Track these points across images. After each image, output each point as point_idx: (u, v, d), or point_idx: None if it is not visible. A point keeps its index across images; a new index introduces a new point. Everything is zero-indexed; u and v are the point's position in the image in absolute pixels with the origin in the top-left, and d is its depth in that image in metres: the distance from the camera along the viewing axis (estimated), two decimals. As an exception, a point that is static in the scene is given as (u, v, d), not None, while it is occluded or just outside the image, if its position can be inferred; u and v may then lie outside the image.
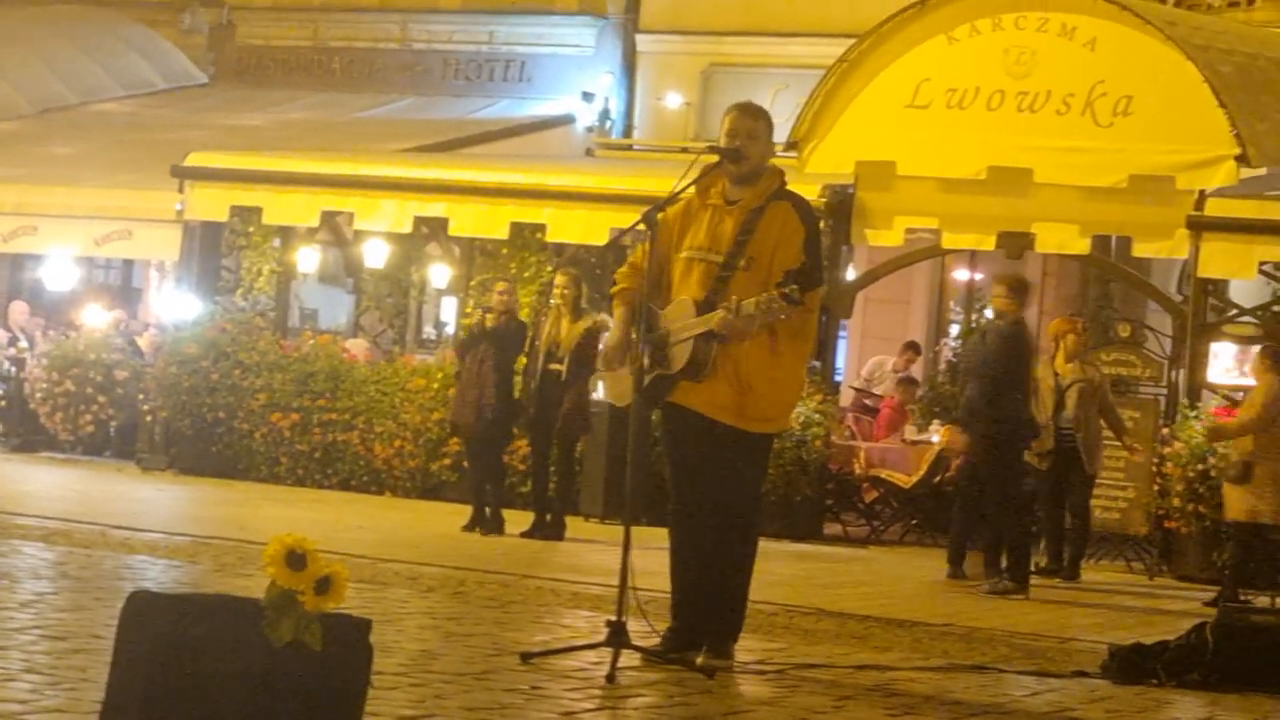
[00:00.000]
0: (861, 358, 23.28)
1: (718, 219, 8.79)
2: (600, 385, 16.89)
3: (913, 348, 22.37)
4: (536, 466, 16.16)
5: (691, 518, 8.85)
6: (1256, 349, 15.37)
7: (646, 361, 8.69)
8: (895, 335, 22.93)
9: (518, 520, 15.87)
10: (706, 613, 8.80)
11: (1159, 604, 14.30)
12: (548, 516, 15.79)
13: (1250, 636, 9.57)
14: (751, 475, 8.93)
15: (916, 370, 22.72)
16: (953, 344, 23.83)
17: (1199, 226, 16.76)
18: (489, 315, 15.99)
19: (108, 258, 24.34)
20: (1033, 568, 15.67)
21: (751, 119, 8.87)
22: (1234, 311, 17.62)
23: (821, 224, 17.03)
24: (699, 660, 8.54)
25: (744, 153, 8.77)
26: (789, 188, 8.95)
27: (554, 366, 15.64)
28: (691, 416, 8.73)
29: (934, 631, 11.25)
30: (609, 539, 14.92)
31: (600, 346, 15.51)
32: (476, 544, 14.90)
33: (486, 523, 15.77)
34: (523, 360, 16.23)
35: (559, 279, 16.29)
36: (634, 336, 8.81)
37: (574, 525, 16.10)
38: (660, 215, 8.81)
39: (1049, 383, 15.55)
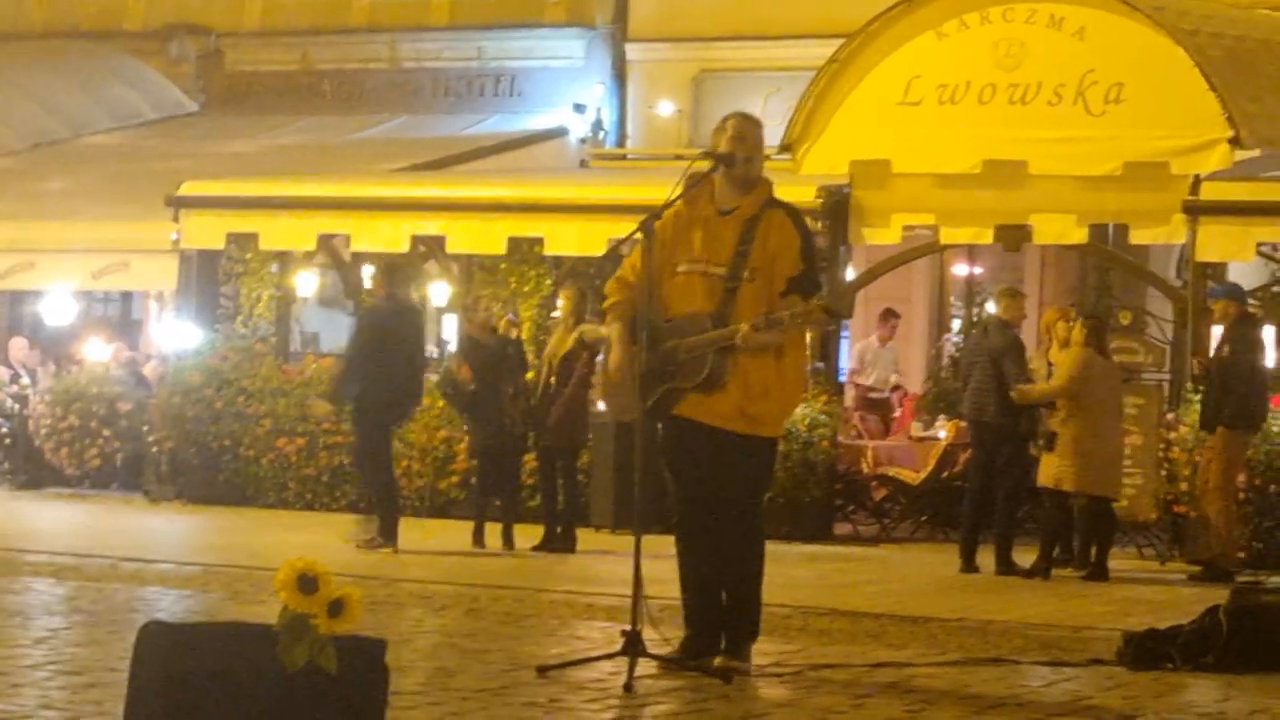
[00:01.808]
0: (864, 357, 23.24)
1: (713, 230, 8.82)
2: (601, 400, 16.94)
3: (891, 314, 22.30)
4: (544, 481, 16.18)
5: (700, 528, 8.87)
6: (1078, 320, 15.59)
7: (646, 373, 8.70)
8: (897, 334, 22.90)
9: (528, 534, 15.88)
10: (723, 619, 8.83)
11: (1171, 589, 14.30)
12: (558, 529, 15.81)
13: (1264, 618, 9.57)
14: (759, 480, 9.01)
15: (919, 351, 22.71)
16: (955, 339, 23.82)
17: (1195, 211, 16.76)
18: (516, 328, 16.10)
19: (106, 290, 24.34)
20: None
21: (757, 127, 8.98)
22: (1235, 295, 17.59)
23: (819, 225, 17.34)
24: (716, 662, 8.56)
25: (748, 158, 8.82)
26: (777, 196, 9.03)
27: (553, 380, 15.71)
28: (701, 429, 8.74)
29: (949, 626, 11.25)
30: (620, 549, 14.91)
31: (589, 356, 15.69)
32: (488, 561, 14.90)
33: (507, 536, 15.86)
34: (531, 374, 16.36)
35: (563, 295, 16.43)
36: (634, 349, 8.83)
37: (584, 536, 16.11)
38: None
39: (1044, 372, 15.63)
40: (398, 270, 16.20)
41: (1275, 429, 16.31)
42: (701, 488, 8.83)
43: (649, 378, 8.69)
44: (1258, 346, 15.55)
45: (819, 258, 9.19)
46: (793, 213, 8.96)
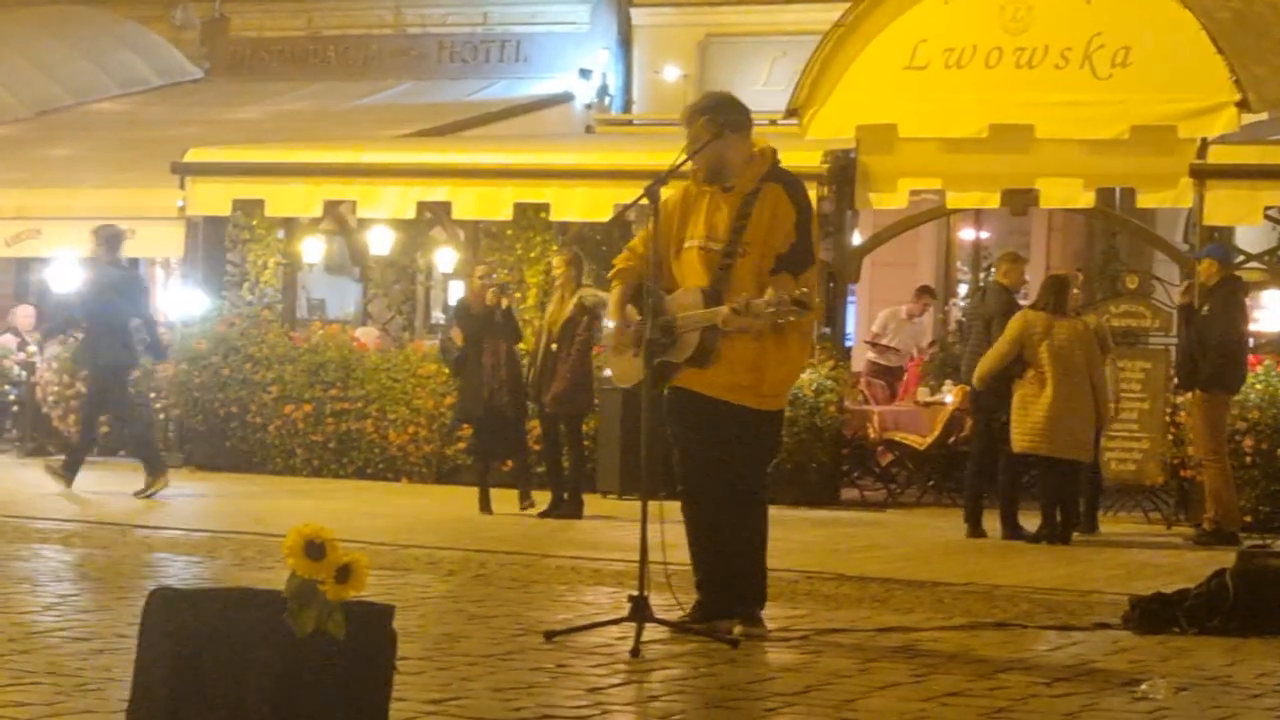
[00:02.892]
0: (870, 322, 23.24)
1: (714, 206, 8.89)
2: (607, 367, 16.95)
3: (926, 291, 22.34)
4: (548, 447, 16.19)
5: (701, 497, 8.90)
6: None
7: (647, 343, 8.73)
8: (903, 298, 22.88)
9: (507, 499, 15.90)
10: (730, 585, 8.87)
11: (1178, 553, 14.30)
12: (564, 495, 15.82)
13: (1270, 581, 9.58)
14: (760, 451, 9.02)
15: (926, 316, 22.74)
16: (961, 304, 23.80)
17: (1202, 174, 16.73)
18: (504, 298, 16.05)
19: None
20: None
21: (684, 119, 9.00)
22: (1241, 258, 17.59)
23: (825, 190, 17.32)
24: (735, 631, 8.61)
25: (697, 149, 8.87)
26: (781, 166, 9.06)
27: (554, 346, 15.69)
28: (699, 399, 8.79)
29: (955, 591, 11.26)
30: (627, 515, 14.93)
31: (589, 320, 15.75)
32: (496, 526, 14.91)
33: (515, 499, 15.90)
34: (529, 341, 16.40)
35: (555, 261, 16.53)
36: (637, 318, 8.88)
37: (591, 502, 16.12)
38: (662, 201, 8.89)
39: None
40: (115, 236, 17.05)
41: (1283, 392, 16.31)
42: (702, 456, 8.87)
43: (651, 348, 8.72)
44: (1238, 309, 15.39)
45: (817, 229, 9.13)
46: (790, 185, 8.94)
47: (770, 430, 9.08)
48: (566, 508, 15.70)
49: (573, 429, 16.10)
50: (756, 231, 8.75)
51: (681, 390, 8.87)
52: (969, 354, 15.50)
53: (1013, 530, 14.91)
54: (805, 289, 8.50)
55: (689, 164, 8.92)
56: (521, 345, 16.47)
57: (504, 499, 15.88)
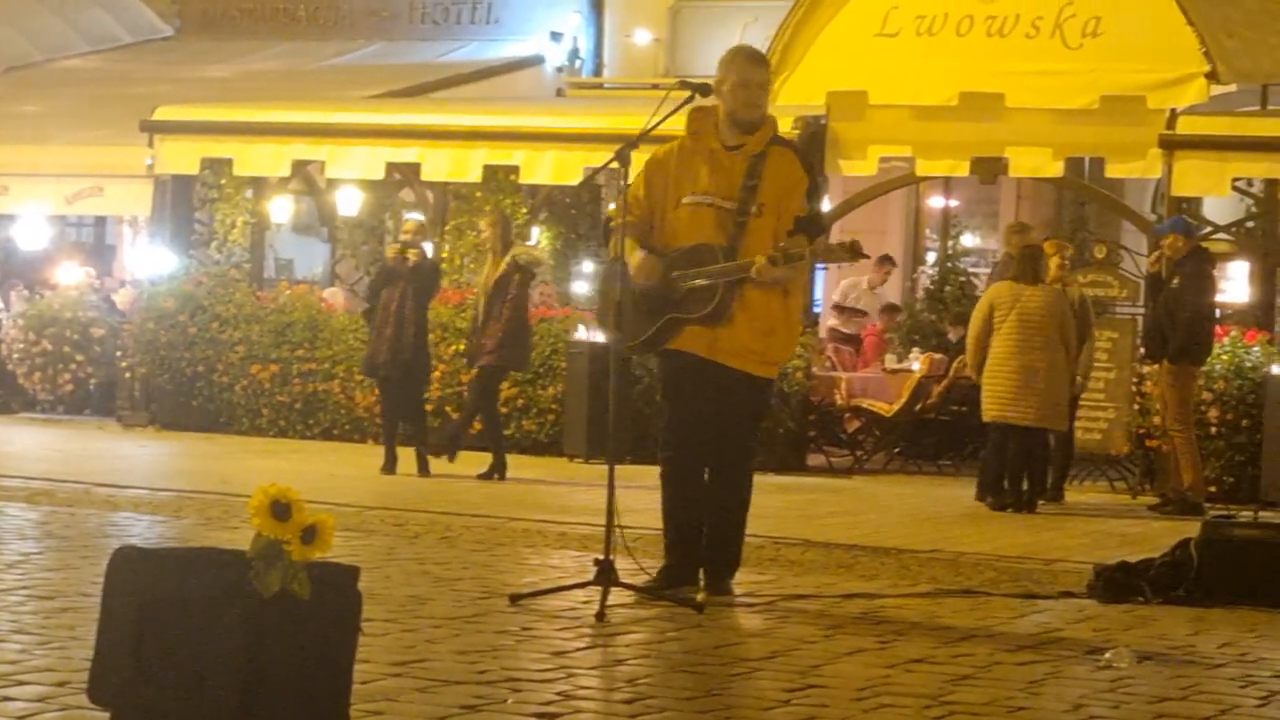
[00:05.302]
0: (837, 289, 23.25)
1: (719, 164, 8.81)
2: (585, 326, 16.96)
3: (888, 260, 22.34)
4: (486, 407, 16.08)
5: (692, 459, 8.89)
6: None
7: (647, 302, 8.71)
8: (872, 266, 22.86)
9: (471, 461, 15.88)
10: (707, 550, 8.87)
11: (1143, 523, 14.35)
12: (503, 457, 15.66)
13: (1234, 551, 9.62)
14: (757, 417, 9.10)
15: (893, 284, 22.78)
16: (929, 271, 23.82)
17: (1171, 145, 16.77)
18: (411, 252, 15.89)
19: (80, 215, 24.24)
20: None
21: (766, 69, 9.10)
22: (1209, 229, 17.63)
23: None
24: (699, 597, 8.60)
25: (749, 102, 8.85)
26: (780, 134, 9.10)
27: (487, 305, 15.64)
28: (703, 365, 8.75)
29: (920, 558, 11.29)
30: (594, 479, 14.94)
31: (521, 278, 15.64)
32: (461, 488, 14.90)
33: (395, 463, 15.77)
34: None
35: (481, 223, 16.55)
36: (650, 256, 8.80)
37: (558, 466, 16.10)
38: (652, 156, 8.86)
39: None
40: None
41: (1248, 364, 16.37)
42: (698, 421, 8.84)
43: (651, 306, 8.69)
44: (1208, 282, 15.39)
45: (821, 198, 9.26)
46: (800, 152, 9.10)
47: (765, 398, 9.22)
48: (491, 468, 15.52)
49: (488, 383, 15.91)
50: (770, 192, 8.74)
51: (683, 354, 8.81)
52: None
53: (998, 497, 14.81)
54: (854, 238, 8.65)
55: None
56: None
57: (462, 461, 15.87)
